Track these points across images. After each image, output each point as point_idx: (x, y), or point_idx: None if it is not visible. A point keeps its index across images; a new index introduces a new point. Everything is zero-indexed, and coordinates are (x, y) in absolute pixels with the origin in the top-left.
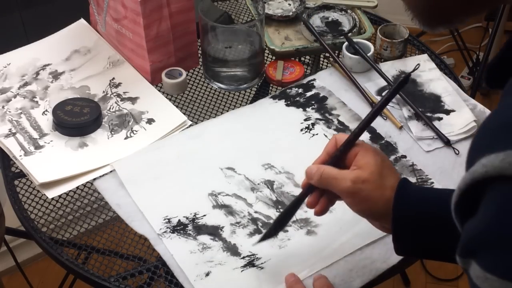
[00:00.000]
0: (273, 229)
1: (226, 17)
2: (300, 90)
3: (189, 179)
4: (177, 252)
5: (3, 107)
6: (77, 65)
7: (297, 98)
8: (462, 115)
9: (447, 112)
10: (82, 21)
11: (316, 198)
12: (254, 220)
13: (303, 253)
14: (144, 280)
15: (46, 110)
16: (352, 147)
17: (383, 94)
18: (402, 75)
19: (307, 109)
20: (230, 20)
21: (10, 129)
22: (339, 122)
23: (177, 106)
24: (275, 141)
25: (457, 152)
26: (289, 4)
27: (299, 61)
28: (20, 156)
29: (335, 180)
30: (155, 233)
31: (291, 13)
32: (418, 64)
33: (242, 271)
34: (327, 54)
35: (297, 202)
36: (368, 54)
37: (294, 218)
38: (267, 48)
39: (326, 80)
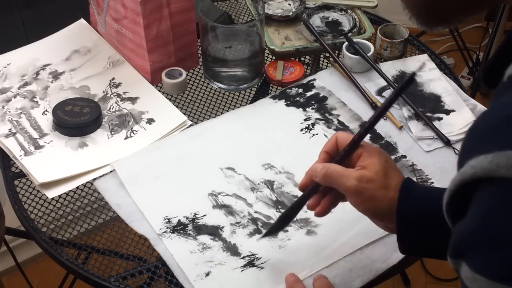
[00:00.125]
0: (277, 225)
1: (226, 17)
2: (300, 90)
3: (189, 179)
4: (177, 252)
5: (3, 107)
6: (77, 65)
7: (297, 98)
8: (462, 115)
9: (447, 112)
10: (82, 21)
11: (317, 200)
12: (254, 220)
13: (303, 253)
14: (144, 280)
15: (46, 110)
16: (356, 147)
17: (383, 94)
18: (407, 74)
19: (307, 109)
20: (230, 20)
21: (10, 129)
22: (339, 122)
23: (177, 106)
24: (275, 141)
25: (457, 152)
26: (289, 4)
27: (299, 61)
28: (20, 156)
29: (340, 177)
30: (155, 233)
31: (291, 13)
32: (424, 63)
33: (242, 271)
34: (327, 54)
35: (302, 199)
36: (368, 54)
37: (294, 218)
38: (267, 48)
39: (326, 80)
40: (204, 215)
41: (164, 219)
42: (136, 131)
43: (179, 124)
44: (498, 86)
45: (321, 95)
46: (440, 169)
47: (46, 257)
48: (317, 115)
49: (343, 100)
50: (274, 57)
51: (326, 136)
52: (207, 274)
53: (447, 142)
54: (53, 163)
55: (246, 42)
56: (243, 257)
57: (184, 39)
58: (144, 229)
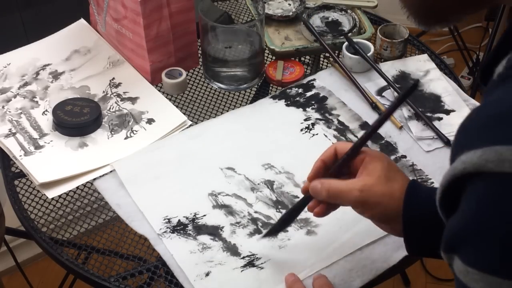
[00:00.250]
0: (278, 226)
1: (226, 17)
2: (300, 90)
3: (189, 179)
4: (177, 252)
5: (3, 107)
6: (77, 65)
7: (297, 98)
8: (462, 115)
9: (447, 112)
10: (82, 21)
11: (317, 203)
12: (254, 220)
13: (303, 253)
14: (144, 280)
15: (46, 110)
16: (358, 153)
17: (383, 94)
18: (410, 80)
19: (307, 109)
20: (230, 20)
21: (10, 129)
22: (339, 122)
23: (177, 106)
24: (275, 141)
25: None
26: (289, 4)
27: (299, 61)
28: (20, 156)
29: (342, 193)
30: (155, 233)
31: (291, 13)
32: (428, 70)
33: (242, 271)
34: (327, 54)
35: (304, 201)
36: (368, 54)
37: (294, 220)
38: (267, 48)
39: (326, 80)
40: (204, 215)
41: (164, 219)
42: (136, 131)
43: (179, 124)
44: (489, 83)
45: (321, 95)
46: (440, 169)
47: (46, 257)
48: (317, 115)
49: (343, 100)
50: (274, 57)
51: (326, 136)
52: (207, 274)
53: (447, 142)
54: (53, 163)
55: (246, 42)
56: (243, 257)
57: (184, 39)
58: (144, 229)
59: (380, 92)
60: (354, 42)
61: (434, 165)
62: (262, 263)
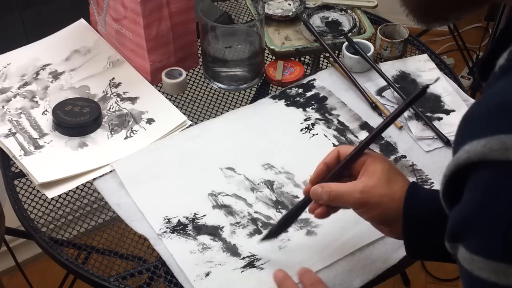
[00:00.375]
0: (278, 228)
1: (226, 17)
2: (300, 90)
3: (189, 179)
4: (177, 252)
5: (3, 107)
6: (77, 65)
7: (297, 98)
8: (462, 115)
9: (447, 112)
10: (82, 21)
11: (318, 204)
12: (254, 220)
13: (303, 253)
14: (144, 280)
15: (46, 110)
16: (360, 156)
17: (383, 94)
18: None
19: (307, 109)
20: (230, 20)
21: (10, 129)
22: (339, 122)
23: (177, 106)
24: (275, 141)
25: None
26: (289, 4)
27: (299, 61)
28: (20, 156)
29: (343, 196)
30: (155, 233)
31: (291, 13)
32: (438, 77)
33: (242, 271)
34: (327, 54)
35: (304, 203)
36: (368, 54)
37: (294, 222)
38: (267, 48)
39: (326, 80)
40: (204, 215)
41: (164, 219)
42: (136, 131)
43: (179, 124)
44: (490, 76)
45: (321, 95)
46: (440, 169)
47: (46, 257)
48: (317, 115)
49: (343, 100)
50: (274, 57)
51: (326, 136)
52: (207, 274)
53: (447, 142)
54: (53, 163)
55: (246, 42)
56: (243, 258)
57: (184, 39)
58: (144, 229)
59: (380, 92)
60: (354, 42)
61: (434, 165)
62: (262, 264)
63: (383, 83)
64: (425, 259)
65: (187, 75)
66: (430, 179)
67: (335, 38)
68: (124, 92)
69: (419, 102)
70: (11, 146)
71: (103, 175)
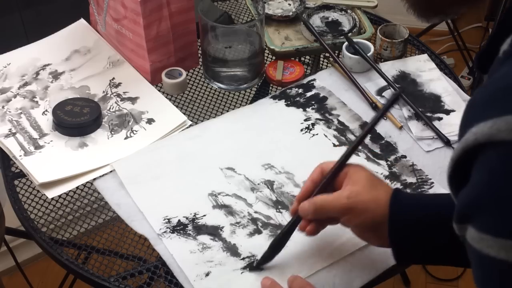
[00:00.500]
0: (270, 252)
1: (226, 17)
2: (300, 90)
3: (189, 179)
4: (177, 252)
5: (3, 107)
6: (77, 65)
7: (297, 98)
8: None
9: (447, 112)
10: (82, 21)
11: (308, 222)
12: (254, 220)
13: (302, 253)
14: (144, 280)
15: (46, 110)
16: (343, 168)
17: (383, 94)
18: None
19: (307, 109)
20: (230, 20)
21: (10, 129)
22: (339, 122)
23: (177, 106)
24: (275, 141)
25: None
26: (289, 4)
27: (299, 61)
28: (20, 156)
29: (329, 203)
30: (155, 233)
31: (291, 13)
32: (397, 97)
33: (242, 272)
34: (327, 54)
35: (292, 225)
36: (368, 54)
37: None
38: (267, 48)
39: (326, 80)
40: (204, 215)
41: (164, 219)
42: (136, 131)
43: (179, 124)
44: (494, 62)
45: (321, 95)
46: (440, 169)
47: (46, 257)
48: (317, 115)
49: (343, 100)
50: (274, 57)
51: (326, 136)
52: (207, 274)
53: (447, 142)
54: (53, 163)
55: (246, 42)
56: (243, 258)
57: (184, 39)
58: (144, 229)
59: (380, 92)
60: (354, 42)
61: (434, 165)
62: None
63: (383, 83)
64: (412, 263)
65: (187, 75)
66: (430, 179)
67: (335, 38)
68: (124, 92)
69: (419, 102)
70: (11, 146)
71: (103, 175)
